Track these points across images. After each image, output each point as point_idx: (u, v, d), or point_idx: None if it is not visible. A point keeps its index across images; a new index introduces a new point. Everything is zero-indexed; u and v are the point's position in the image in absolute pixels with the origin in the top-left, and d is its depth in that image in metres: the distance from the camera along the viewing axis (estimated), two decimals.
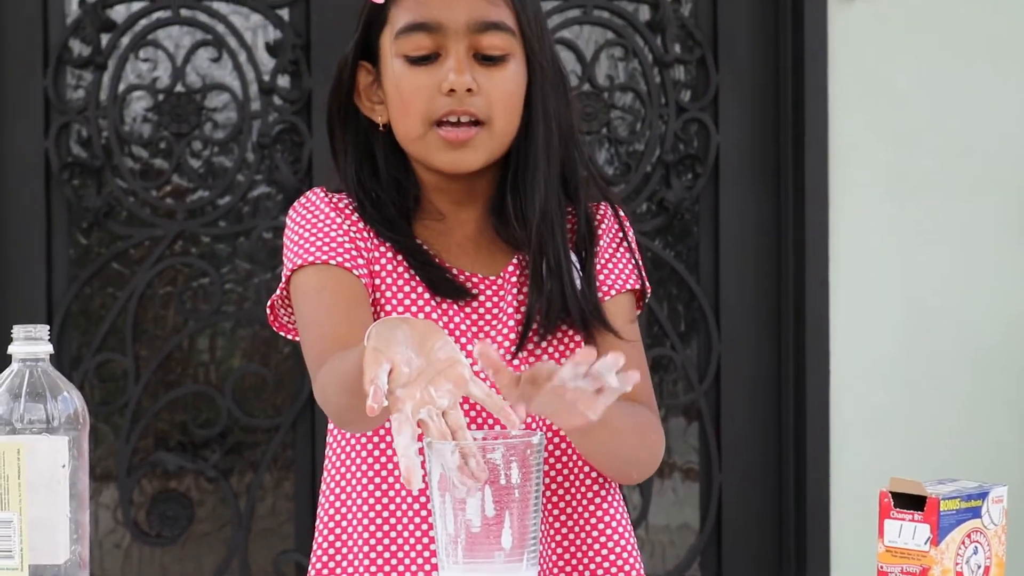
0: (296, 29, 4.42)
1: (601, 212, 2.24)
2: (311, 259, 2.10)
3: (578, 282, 2.15)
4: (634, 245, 2.25)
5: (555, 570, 2.13)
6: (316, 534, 2.19)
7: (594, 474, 2.19)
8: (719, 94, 4.47)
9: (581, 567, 2.16)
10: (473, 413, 2.08)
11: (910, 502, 1.61)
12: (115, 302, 4.43)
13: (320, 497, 2.22)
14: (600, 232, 2.22)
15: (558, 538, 2.15)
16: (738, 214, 4.46)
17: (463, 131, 2.09)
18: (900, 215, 4.39)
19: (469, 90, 2.08)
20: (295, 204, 2.21)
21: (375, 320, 2.01)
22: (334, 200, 2.19)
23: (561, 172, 2.17)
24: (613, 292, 2.18)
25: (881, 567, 1.63)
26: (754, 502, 4.47)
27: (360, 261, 2.11)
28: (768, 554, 4.47)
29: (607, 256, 2.21)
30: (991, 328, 4.40)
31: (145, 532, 4.47)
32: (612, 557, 2.18)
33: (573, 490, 2.17)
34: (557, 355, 2.14)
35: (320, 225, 2.14)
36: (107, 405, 4.42)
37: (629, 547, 2.20)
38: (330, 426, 2.21)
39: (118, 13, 4.43)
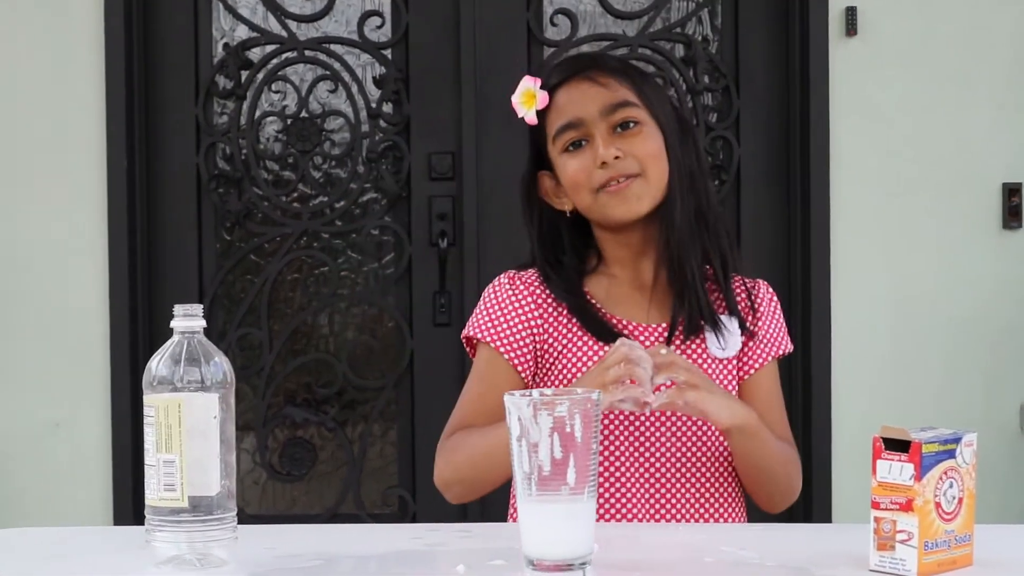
0: (398, 65, 4.42)
1: (760, 287, 2.35)
2: (488, 339, 2.23)
3: (735, 332, 2.24)
4: (781, 314, 2.35)
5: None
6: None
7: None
8: (740, 116, 4.45)
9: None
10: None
11: (898, 446, 1.61)
12: (252, 286, 4.45)
13: None
14: (759, 302, 2.31)
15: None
16: (756, 212, 4.44)
17: (623, 185, 2.17)
18: (889, 212, 4.36)
19: (617, 157, 2.16)
20: (489, 286, 2.29)
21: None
22: (519, 281, 2.27)
23: (696, 207, 2.23)
24: (770, 358, 2.27)
25: (874, 498, 1.62)
26: None
27: (524, 349, 2.22)
28: None
29: (767, 323, 2.30)
30: (964, 306, 4.37)
31: (278, 471, 4.49)
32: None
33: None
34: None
35: (504, 309, 2.24)
36: (247, 369, 4.44)
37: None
38: None
39: (254, 54, 4.45)
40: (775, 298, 2.34)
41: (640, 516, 2.17)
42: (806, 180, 4.34)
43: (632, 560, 1.75)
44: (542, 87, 2.22)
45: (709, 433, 2.20)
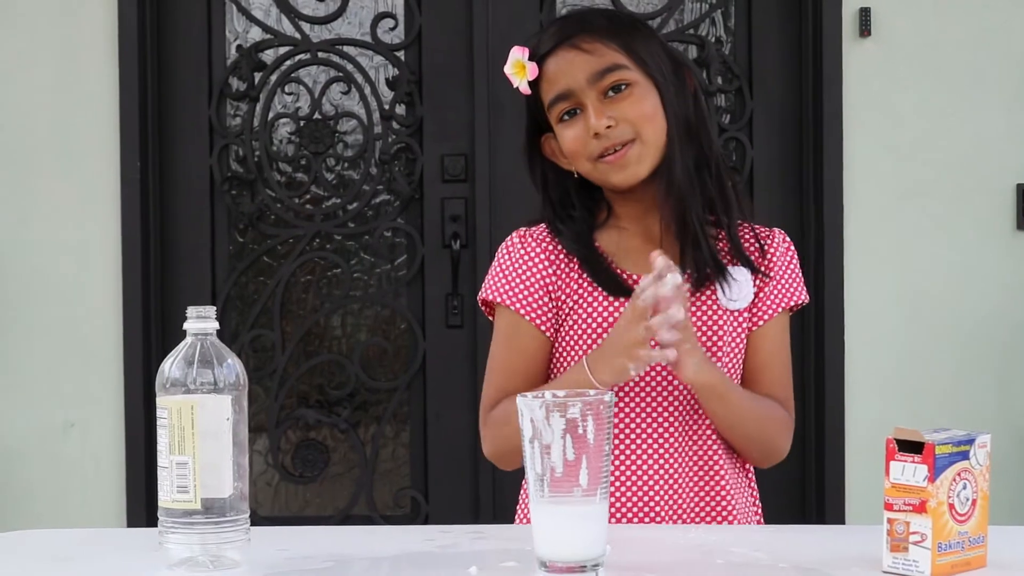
0: (411, 67, 4.43)
1: (775, 235, 2.29)
2: (507, 302, 2.22)
3: (746, 284, 2.22)
4: (798, 264, 2.31)
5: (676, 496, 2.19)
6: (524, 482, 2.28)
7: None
8: (753, 117, 4.45)
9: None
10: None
11: (911, 447, 1.60)
12: (265, 288, 4.46)
13: None
14: (772, 250, 2.27)
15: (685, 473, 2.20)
16: (769, 213, 4.42)
17: (619, 154, 2.16)
18: (901, 214, 4.36)
19: (609, 127, 2.15)
20: (502, 246, 2.29)
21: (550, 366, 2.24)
22: (530, 237, 2.26)
23: (696, 155, 2.22)
24: (780, 309, 2.25)
25: (888, 500, 1.62)
26: None
27: (544, 308, 2.21)
28: (795, 491, 4.45)
29: (780, 274, 2.26)
30: (978, 307, 4.36)
31: (290, 473, 4.50)
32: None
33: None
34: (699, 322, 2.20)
35: (519, 269, 2.23)
36: (259, 371, 4.45)
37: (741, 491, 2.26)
38: None
39: (267, 56, 4.46)
40: (792, 248, 2.30)
41: (647, 474, 2.17)
42: (819, 181, 4.34)
43: (644, 562, 1.75)
44: (531, 58, 2.20)
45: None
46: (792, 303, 2.26)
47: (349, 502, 4.48)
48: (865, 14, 4.30)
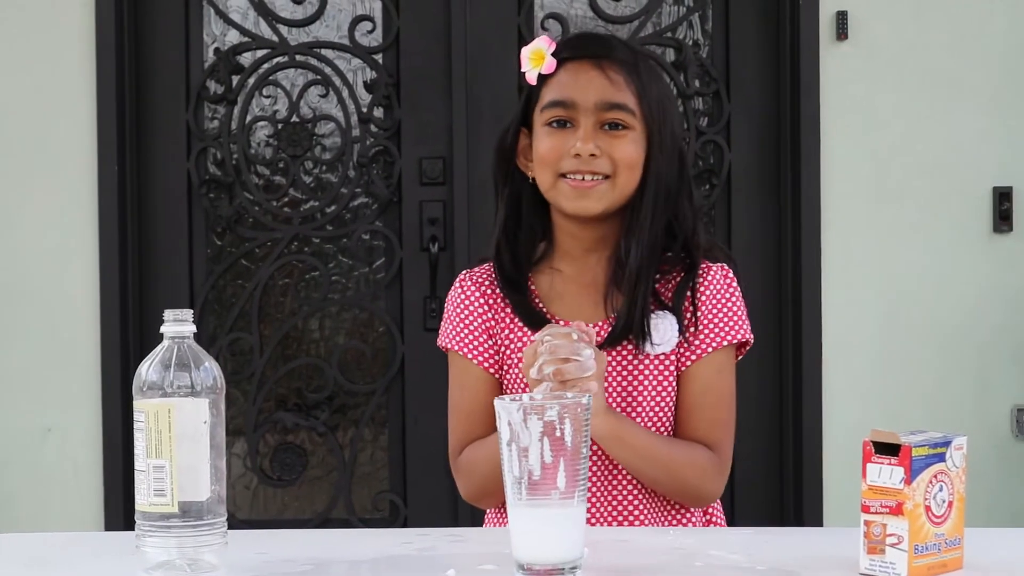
0: (389, 71, 4.43)
1: (711, 271, 2.23)
2: (455, 347, 2.24)
3: (668, 328, 2.17)
4: (739, 301, 2.23)
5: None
6: None
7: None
8: (731, 120, 4.45)
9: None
10: None
11: (888, 449, 1.61)
12: (243, 291, 4.45)
13: None
14: (704, 287, 2.21)
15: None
16: (746, 217, 4.44)
17: (587, 182, 2.14)
18: (879, 218, 4.37)
19: (592, 155, 2.13)
20: (451, 289, 2.30)
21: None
22: (469, 281, 2.28)
23: (668, 227, 2.19)
24: (710, 349, 2.19)
25: (864, 502, 1.62)
26: (760, 452, 4.46)
27: (490, 351, 2.23)
28: (772, 493, 4.45)
29: (711, 312, 2.20)
30: (955, 310, 4.38)
31: (268, 476, 4.49)
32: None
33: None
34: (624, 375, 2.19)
35: (462, 314, 2.25)
36: (237, 374, 4.44)
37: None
38: None
39: (245, 59, 4.45)
40: (732, 285, 2.24)
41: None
42: (797, 184, 4.34)
43: (622, 564, 1.75)
44: (554, 54, 2.18)
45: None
46: (725, 341, 2.20)
47: (327, 505, 4.48)
48: (842, 18, 4.31)
